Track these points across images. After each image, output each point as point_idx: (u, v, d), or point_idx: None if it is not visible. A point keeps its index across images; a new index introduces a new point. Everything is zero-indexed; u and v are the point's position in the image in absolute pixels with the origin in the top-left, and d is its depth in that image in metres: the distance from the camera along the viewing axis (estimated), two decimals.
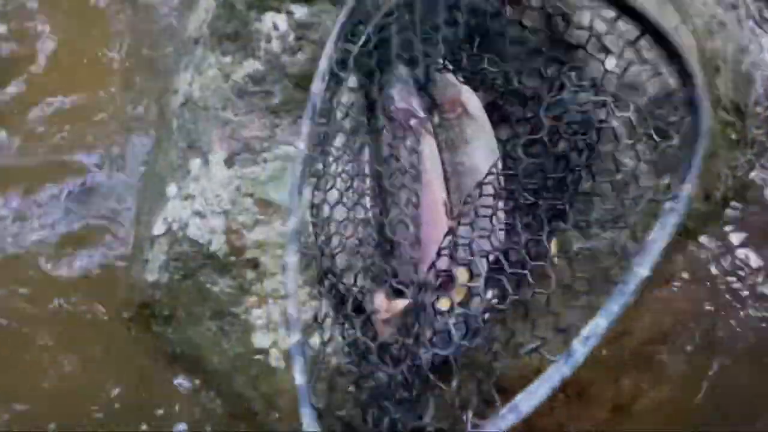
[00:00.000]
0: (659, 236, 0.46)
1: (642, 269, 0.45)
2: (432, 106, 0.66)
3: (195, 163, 0.71)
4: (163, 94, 0.83)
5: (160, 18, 0.93)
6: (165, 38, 0.90)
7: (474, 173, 0.62)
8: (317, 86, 0.53)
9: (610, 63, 0.56)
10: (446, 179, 0.64)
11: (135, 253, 0.76)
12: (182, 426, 0.72)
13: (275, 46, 0.69)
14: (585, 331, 0.43)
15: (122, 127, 0.87)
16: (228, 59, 0.71)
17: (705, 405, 0.70)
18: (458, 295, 0.54)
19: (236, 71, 0.70)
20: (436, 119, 0.65)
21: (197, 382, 0.74)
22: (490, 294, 0.54)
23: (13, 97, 0.89)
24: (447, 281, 0.59)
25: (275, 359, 0.65)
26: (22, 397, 0.74)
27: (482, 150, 0.62)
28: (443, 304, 0.55)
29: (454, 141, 0.64)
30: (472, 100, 0.63)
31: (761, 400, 0.71)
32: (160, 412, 0.74)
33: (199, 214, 0.69)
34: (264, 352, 0.65)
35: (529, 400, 0.40)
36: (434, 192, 0.63)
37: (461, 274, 0.58)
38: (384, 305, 0.56)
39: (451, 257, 0.56)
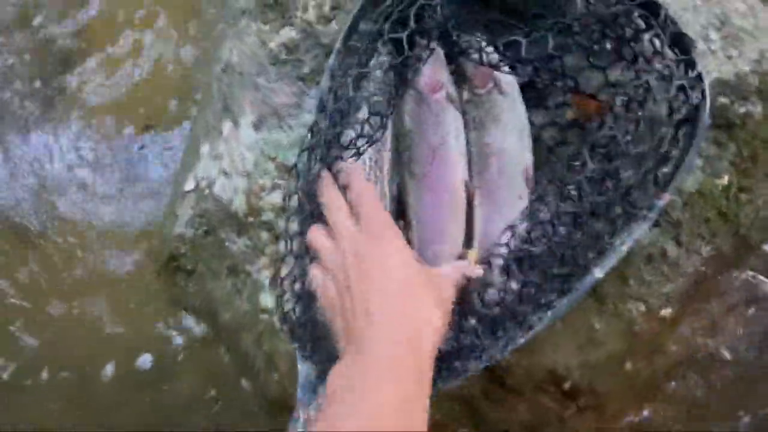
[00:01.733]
0: (627, 242, 0.46)
1: (598, 271, 0.46)
2: (462, 79, 0.62)
3: (227, 125, 0.74)
4: (210, 63, 0.87)
5: None
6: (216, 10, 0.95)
7: (501, 156, 0.58)
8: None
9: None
10: (470, 160, 0.60)
11: (169, 207, 0.82)
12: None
13: (311, 14, 0.70)
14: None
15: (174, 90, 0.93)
16: (267, 27, 0.73)
17: None
18: None
19: (273, 39, 0.72)
20: (466, 95, 0.61)
21: (211, 334, 0.78)
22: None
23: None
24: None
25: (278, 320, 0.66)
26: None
27: (512, 132, 0.58)
28: None
29: (482, 119, 0.59)
30: (505, 76, 0.58)
31: None
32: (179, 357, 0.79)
33: (225, 173, 0.71)
34: (268, 312, 0.67)
35: None
36: (456, 172, 0.60)
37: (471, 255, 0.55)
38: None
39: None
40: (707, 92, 0.47)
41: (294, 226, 0.53)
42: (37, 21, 1.01)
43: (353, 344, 0.35)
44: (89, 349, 0.81)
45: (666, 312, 0.59)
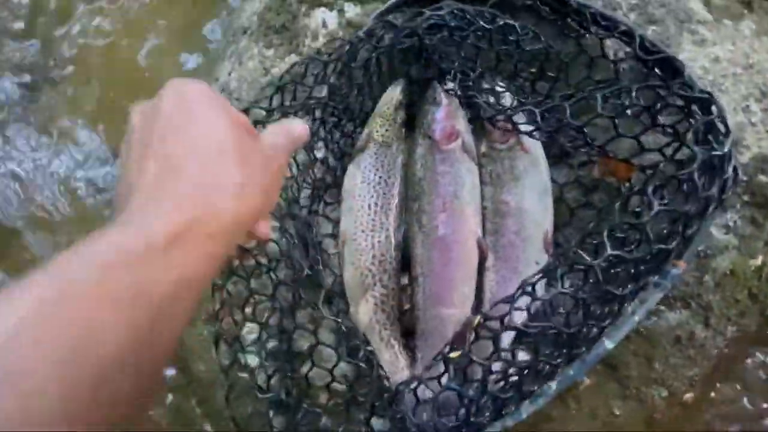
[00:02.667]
0: (638, 311, 0.41)
1: (609, 342, 0.41)
2: (480, 131, 0.58)
3: None
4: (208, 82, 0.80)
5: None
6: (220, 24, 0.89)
7: (519, 217, 0.53)
8: None
9: None
10: (484, 218, 0.55)
11: None
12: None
13: (320, 43, 0.64)
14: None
15: None
16: (271, 52, 0.67)
17: None
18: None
19: (276, 65, 0.66)
20: (483, 147, 0.57)
21: (183, 382, 0.70)
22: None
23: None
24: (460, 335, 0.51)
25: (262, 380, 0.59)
26: None
27: (533, 192, 0.53)
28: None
29: (500, 176, 0.55)
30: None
31: None
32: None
33: None
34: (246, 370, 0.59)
35: None
36: (469, 226, 0.55)
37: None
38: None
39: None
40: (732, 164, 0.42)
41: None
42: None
43: (138, 195, 0.25)
44: None
45: (688, 396, 0.54)
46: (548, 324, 0.39)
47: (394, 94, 0.58)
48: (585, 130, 0.44)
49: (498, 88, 0.54)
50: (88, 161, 0.87)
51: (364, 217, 0.55)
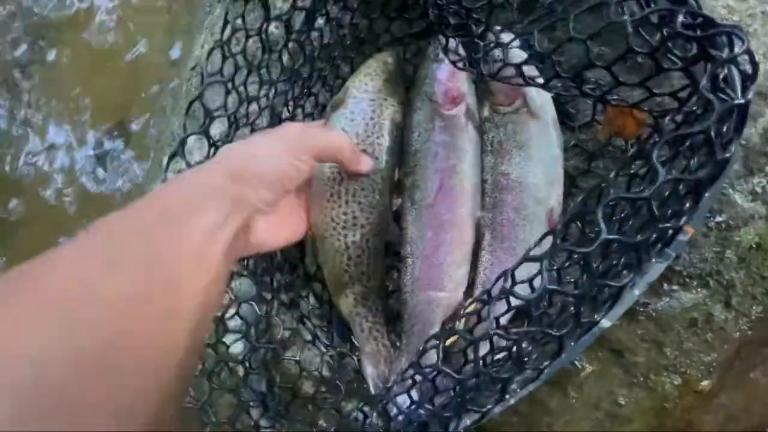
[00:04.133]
0: (639, 284, 0.34)
1: (606, 321, 0.34)
2: (483, 92, 0.50)
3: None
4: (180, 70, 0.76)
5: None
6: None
7: (520, 192, 0.46)
8: None
9: None
10: (483, 192, 0.49)
11: None
12: None
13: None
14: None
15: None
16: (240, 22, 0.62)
17: None
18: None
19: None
20: (486, 111, 0.49)
21: None
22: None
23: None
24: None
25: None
26: None
27: (539, 164, 0.46)
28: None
29: (502, 143, 0.48)
30: (538, 94, 0.47)
31: None
32: None
33: None
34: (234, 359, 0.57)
35: None
36: (465, 206, 0.48)
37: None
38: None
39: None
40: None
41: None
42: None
43: None
44: None
45: (705, 384, 0.49)
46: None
47: (384, 58, 0.51)
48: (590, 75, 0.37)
49: (504, 38, 0.43)
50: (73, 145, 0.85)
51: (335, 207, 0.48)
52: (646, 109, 0.36)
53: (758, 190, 0.44)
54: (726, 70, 0.28)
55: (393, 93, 0.51)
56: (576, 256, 0.33)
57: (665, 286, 0.45)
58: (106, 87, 0.85)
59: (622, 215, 0.34)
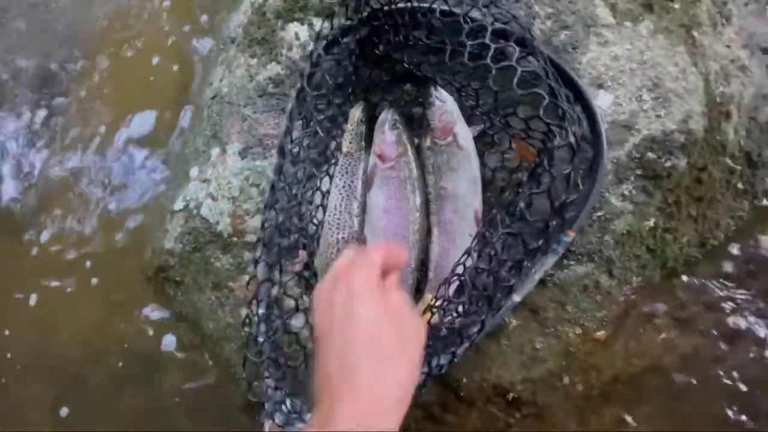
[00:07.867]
0: (539, 271, 0.59)
1: (516, 296, 0.59)
2: (426, 128, 0.69)
3: (215, 151, 0.80)
4: (201, 87, 0.93)
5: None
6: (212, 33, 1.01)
7: (455, 200, 0.66)
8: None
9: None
10: (428, 200, 0.68)
11: (160, 222, 0.88)
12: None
13: (295, 53, 0.76)
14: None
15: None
16: (254, 61, 0.79)
17: None
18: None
19: (260, 73, 0.78)
20: (428, 142, 0.68)
21: (196, 341, 0.84)
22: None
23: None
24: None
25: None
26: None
27: (465, 180, 0.66)
28: None
29: (440, 167, 0.67)
30: (463, 132, 0.66)
31: None
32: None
33: (212, 196, 0.78)
34: (249, 326, 0.73)
35: None
36: (404, 214, 0.68)
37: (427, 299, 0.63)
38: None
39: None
40: (605, 146, 0.57)
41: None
42: None
43: (329, 394, 0.34)
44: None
45: (600, 334, 0.67)
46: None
47: (356, 112, 0.70)
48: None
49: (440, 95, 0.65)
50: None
51: (332, 215, 0.68)
52: (534, 146, 0.55)
53: (626, 193, 0.63)
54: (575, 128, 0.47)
55: (362, 146, 0.72)
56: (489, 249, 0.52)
57: (564, 261, 0.64)
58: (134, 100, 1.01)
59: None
